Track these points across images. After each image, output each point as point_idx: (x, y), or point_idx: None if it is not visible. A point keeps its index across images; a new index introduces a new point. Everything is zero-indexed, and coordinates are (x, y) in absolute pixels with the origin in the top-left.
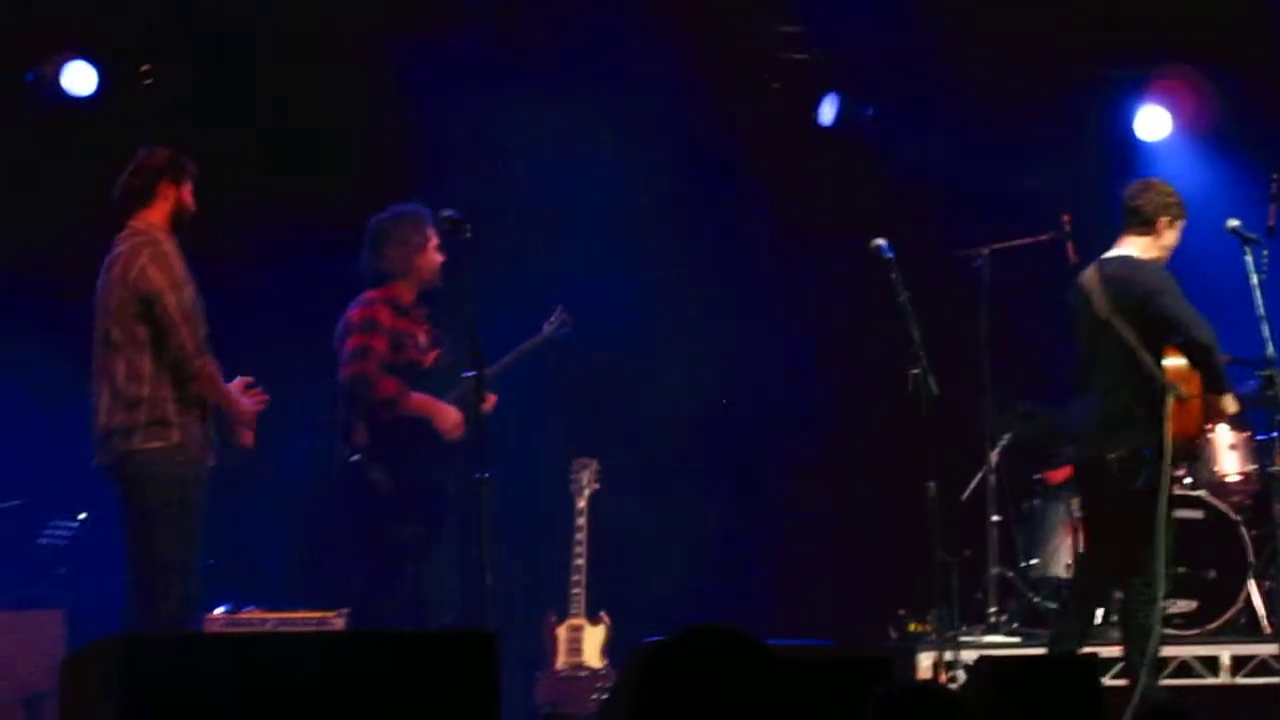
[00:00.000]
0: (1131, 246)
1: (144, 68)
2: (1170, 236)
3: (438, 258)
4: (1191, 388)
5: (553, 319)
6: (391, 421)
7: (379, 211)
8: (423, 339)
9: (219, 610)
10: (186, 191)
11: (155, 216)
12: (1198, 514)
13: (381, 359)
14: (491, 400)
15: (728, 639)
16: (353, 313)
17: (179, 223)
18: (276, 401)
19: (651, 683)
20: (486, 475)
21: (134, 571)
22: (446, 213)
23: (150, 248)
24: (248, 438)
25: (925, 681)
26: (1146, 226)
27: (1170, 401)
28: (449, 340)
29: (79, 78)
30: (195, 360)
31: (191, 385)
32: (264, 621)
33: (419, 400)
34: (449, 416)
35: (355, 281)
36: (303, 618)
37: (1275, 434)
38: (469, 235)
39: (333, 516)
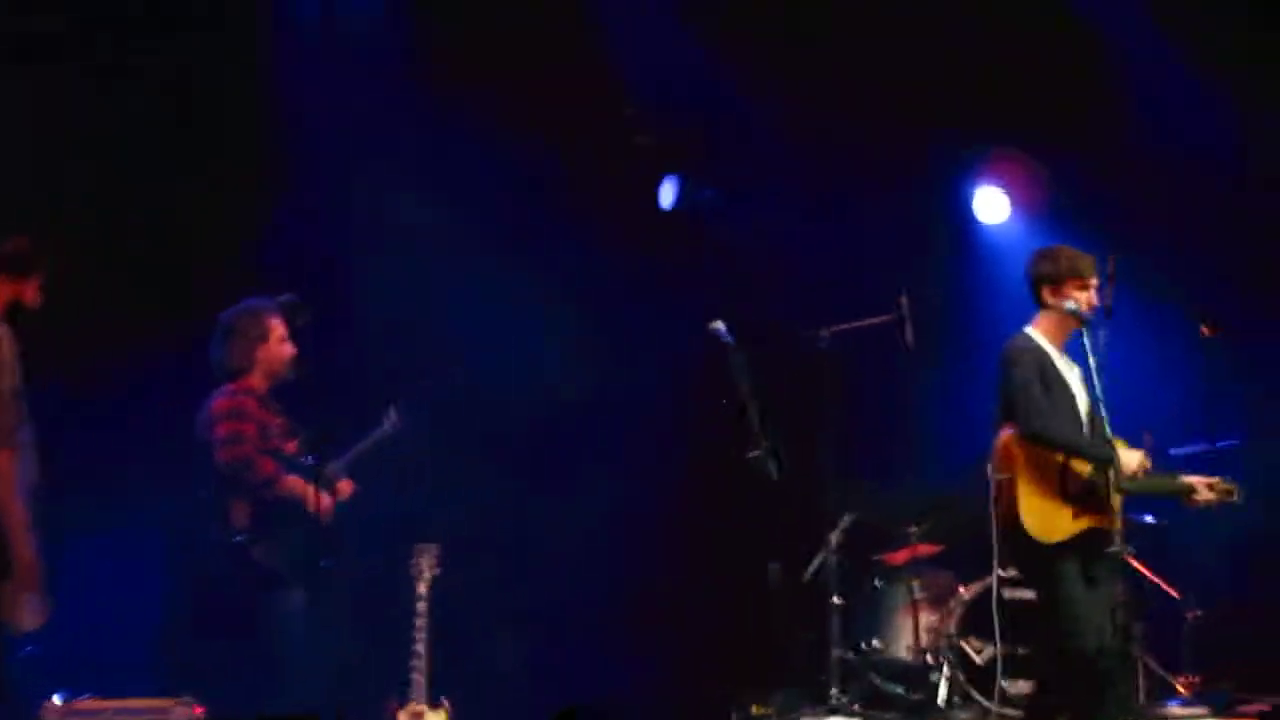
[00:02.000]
0: (1036, 319)
1: None
2: (1060, 304)
3: (285, 350)
4: (1009, 468)
5: (390, 415)
6: (271, 502)
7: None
8: (280, 428)
9: (55, 698)
10: (30, 289)
11: None
12: (1032, 594)
13: (254, 443)
14: (348, 487)
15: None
16: (218, 402)
17: (13, 316)
18: (120, 488)
19: None
20: (328, 563)
21: None
22: (284, 297)
23: None
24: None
25: None
26: (1037, 298)
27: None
28: (303, 430)
29: None
30: None
31: None
32: (102, 711)
33: (294, 482)
34: (320, 501)
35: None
36: (143, 705)
37: None
38: (307, 320)
39: (209, 598)
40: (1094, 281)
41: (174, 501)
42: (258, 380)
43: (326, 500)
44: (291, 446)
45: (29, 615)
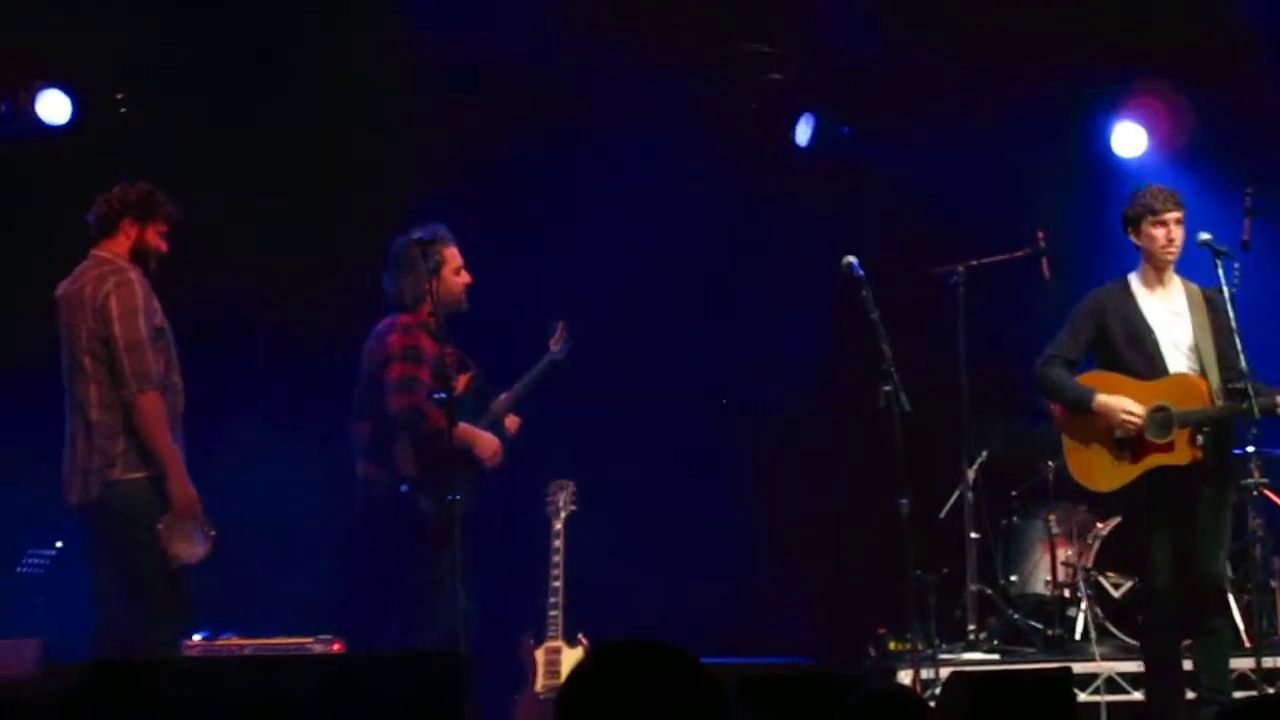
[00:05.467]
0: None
1: (119, 96)
2: (1143, 240)
3: (458, 281)
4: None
5: (555, 338)
6: (439, 451)
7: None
8: (451, 363)
9: (196, 637)
10: (152, 233)
11: (118, 248)
12: None
13: (429, 389)
14: (515, 423)
15: (648, 651)
16: (391, 338)
17: (141, 260)
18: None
19: (576, 697)
20: (458, 496)
21: (115, 603)
22: (417, 235)
23: (116, 275)
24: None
25: (896, 686)
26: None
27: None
28: (475, 365)
29: (53, 106)
30: (130, 387)
31: (130, 416)
32: (241, 648)
33: (463, 429)
34: (489, 445)
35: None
36: (280, 644)
37: (1250, 448)
38: (440, 257)
39: (370, 544)
40: (1171, 215)
41: (334, 434)
42: (430, 313)
43: (495, 443)
44: (463, 383)
45: (192, 546)
